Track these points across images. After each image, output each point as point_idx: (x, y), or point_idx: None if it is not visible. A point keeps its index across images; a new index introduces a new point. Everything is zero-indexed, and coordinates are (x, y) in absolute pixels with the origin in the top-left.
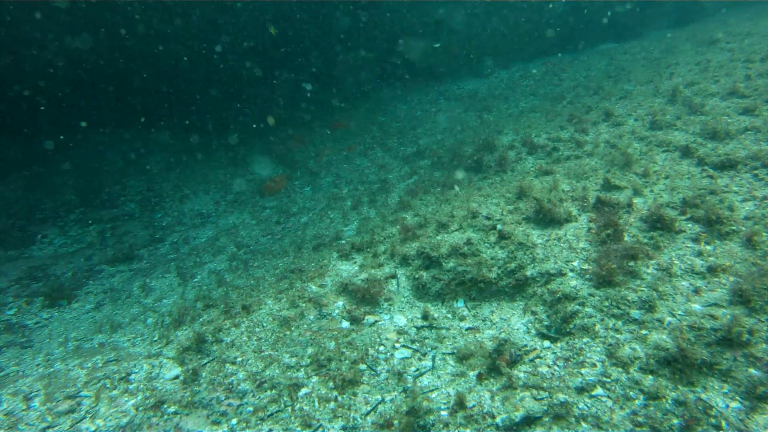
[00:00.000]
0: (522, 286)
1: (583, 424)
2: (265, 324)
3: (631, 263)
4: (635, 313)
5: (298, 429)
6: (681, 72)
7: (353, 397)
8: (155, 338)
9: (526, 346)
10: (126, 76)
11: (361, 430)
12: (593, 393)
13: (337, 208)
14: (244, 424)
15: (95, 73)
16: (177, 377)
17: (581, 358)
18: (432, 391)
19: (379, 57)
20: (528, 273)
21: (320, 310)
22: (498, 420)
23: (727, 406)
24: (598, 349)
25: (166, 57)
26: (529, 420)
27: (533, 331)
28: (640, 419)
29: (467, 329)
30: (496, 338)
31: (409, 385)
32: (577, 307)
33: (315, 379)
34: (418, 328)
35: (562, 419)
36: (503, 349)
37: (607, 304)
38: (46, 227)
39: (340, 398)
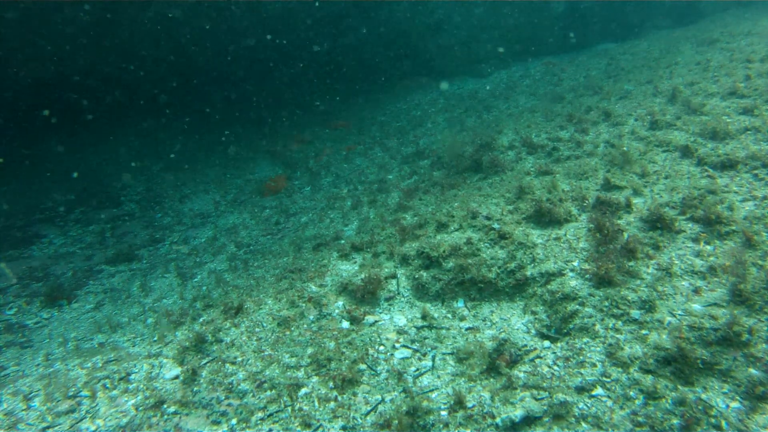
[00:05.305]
0: (522, 286)
1: (583, 424)
2: (265, 324)
3: (631, 263)
4: (635, 313)
5: (298, 429)
6: (681, 72)
7: (353, 397)
8: (155, 338)
9: (526, 346)
10: (127, 77)
11: (361, 430)
12: (593, 393)
13: (337, 208)
14: (244, 424)
15: (96, 74)
16: (177, 377)
17: (581, 358)
18: (432, 391)
19: (379, 57)
20: (528, 273)
21: (320, 310)
22: (498, 420)
23: (727, 406)
24: (598, 349)
25: (166, 57)
26: (529, 420)
27: (533, 331)
28: (640, 419)
29: (467, 329)
30: (496, 338)
31: (409, 385)
32: (577, 307)
33: (315, 379)
34: (418, 328)
35: (562, 419)
36: (503, 349)
37: (606, 304)
38: (46, 227)
39: (340, 398)
